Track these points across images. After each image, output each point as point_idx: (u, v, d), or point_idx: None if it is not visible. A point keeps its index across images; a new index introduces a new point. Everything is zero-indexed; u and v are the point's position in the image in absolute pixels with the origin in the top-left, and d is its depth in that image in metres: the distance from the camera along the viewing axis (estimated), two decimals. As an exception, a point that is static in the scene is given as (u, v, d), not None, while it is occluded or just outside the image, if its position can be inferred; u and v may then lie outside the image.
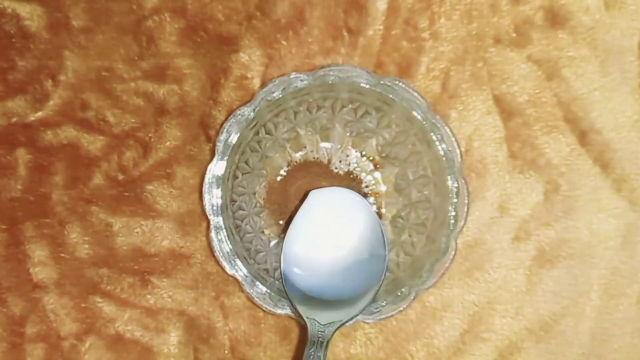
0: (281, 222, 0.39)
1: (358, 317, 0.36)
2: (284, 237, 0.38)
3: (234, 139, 0.36)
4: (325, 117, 0.39)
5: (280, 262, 0.37)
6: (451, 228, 0.37)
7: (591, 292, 0.40)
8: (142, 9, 0.40)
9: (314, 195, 0.38)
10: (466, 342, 0.40)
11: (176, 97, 0.40)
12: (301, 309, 0.36)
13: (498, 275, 0.40)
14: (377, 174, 0.40)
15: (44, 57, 0.40)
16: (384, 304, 0.37)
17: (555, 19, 0.40)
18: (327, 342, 0.35)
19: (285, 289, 0.36)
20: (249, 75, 0.40)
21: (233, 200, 0.38)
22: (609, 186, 0.40)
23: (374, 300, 0.36)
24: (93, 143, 0.40)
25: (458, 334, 0.40)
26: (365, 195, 0.39)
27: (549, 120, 0.40)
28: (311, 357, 0.34)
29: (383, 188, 0.40)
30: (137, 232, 0.40)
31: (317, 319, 0.36)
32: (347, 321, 0.36)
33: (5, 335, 0.39)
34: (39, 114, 0.40)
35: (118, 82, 0.40)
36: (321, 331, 0.35)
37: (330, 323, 0.36)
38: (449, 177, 0.37)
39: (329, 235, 0.37)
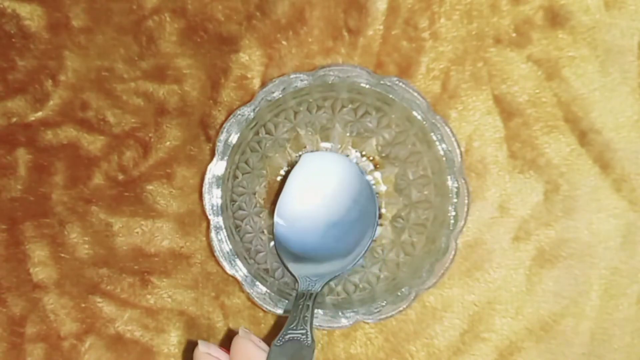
0: (281, 222, 0.39)
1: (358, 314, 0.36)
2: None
3: (234, 139, 0.36)
4: (325, 117, 0.39)
5: (272, 221, 0.38)
6: (451, 228, 0.37)
7: (591, 292, 0.40)
8: (142, 9, 0.40)
9: (306, 158, 0.38)
10: (466, 342, 0.40)
11: (176, 97, 0.40)
12: (292, 267, 0.36)
13: (498, 275, 0.40)
14: (377, 174, 0.40)
15: (44, 57, 0.40)
16: (384, 304, 0.37)
17: (555, 19, 0.40)
18: (317, 294, 0.35)
19: (276, 248, 0.37)
20: (249, 75, 0.40)
21: (233, 200, 0.38)
22: (608, 186, 0.40)
23: (362, 256, 0.37)
24: (93, 143, 0.40)
25: (458, 334, 0.40)
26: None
27: (549, 120, 0.40)
28: (300, 306, 0.34)
29: (383, 188, 0.40)
30: (137, 232, 0.40)
31: (308, 275, 0.36)
32: (335, 277, 0.36)
33: (5, 335, 0.39)
34: (39, 114, 0.40)
35: (118, 82, 0.40)
36: (312, 285, 0.35)
37: (321, 277, 0.36)
38: (449, 177, 0.37)
39: (319, 194, 0.38)
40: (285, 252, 0.37)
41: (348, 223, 0.38)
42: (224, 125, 0.36)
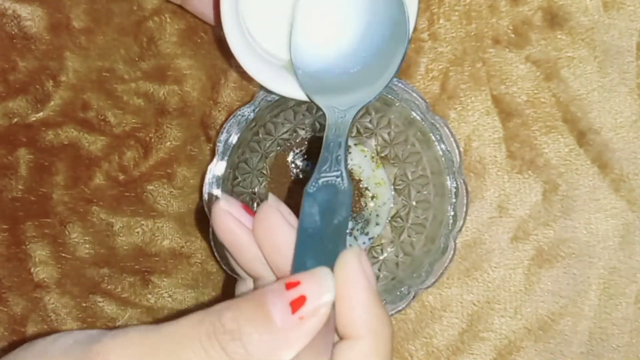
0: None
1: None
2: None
3: (234, 139, 0.37)
4: (325, 117, 0.39)
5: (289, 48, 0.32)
6: (450, 228, 0.37)
7: (590, 292, 0.40)
8: (142, 9, 0.40)
9: None
10: (465, 341, 0.40)
11: (176, 97, 0.40)
12: (317, 99, 0.31)
13: (497, 274, 0.40)
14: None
15: (45, 57, 0.40)
16: (383, 301, 0.37)
17: (554, 19, 0.40)
18: (349, 126, 0.30)
19: (296, 76, 0.32)
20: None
21: (233, 200, 0.38)
22: (607, 186, 0.40)
23: (393, 78, 0.31)
24: (94, 143, 0.40)
25: (457, 334, 0.40)
26: (363, 195, 0.40)
27: (548, 121, 0.40)
28: (331, 144, 0.29)
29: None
30: (138, 232, 0.40)
31: (336, 105, 0.31)
32: (371, 100, 0.31)
33: (6, 335, 0.39)
34: (40, 114, 0.40)
35: (119, 83, 0.40)
36: (341, 117, 0.31)
37: (351, 107, 0.31)
38: (448, 177, 0.37)
39: (336, 16, 0.32)
40: (305, 75, 0.32)
41: (374, 28, 0.32)
42: (224, 126, 0.36)
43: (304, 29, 0.32)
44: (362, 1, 0.32)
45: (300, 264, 0.26)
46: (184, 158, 0.40)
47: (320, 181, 0.28)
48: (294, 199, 0.39)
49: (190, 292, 0.40)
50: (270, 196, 0.28)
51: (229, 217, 0.28)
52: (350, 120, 0.30)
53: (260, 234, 0.27)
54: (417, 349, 0.40)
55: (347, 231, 0.38)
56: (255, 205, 0.39)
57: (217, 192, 0.37)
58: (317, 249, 0.27)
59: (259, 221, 0.27)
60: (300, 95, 0.32)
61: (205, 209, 0.37)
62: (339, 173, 0.29)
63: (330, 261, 0.26)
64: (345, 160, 0.29)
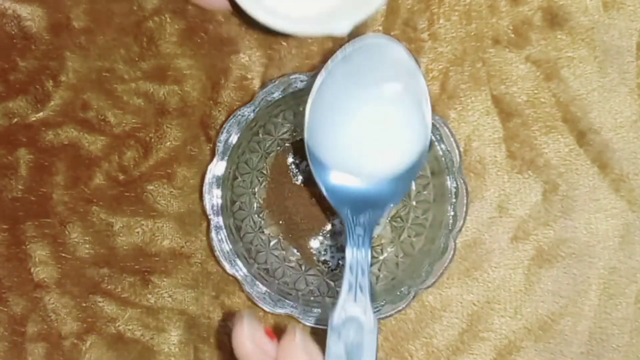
0: (281, 222, 0.39)
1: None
2: (283, 238, 0.38)
3: (234, 139, 0.37)
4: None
5: (304, 138, 0.32)
6: (450, 228, 0.37)
7: (590, 292, 0.40)
8: (142, 9, 0.40)
9: (344, 52, 0.31)
10: (465, 341, 0.40)
11: (176, 97, 0.40)
12: (335, 202, 0.30)
13: (497, 274, 0.40)
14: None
15: (45, 57, 0.40)
16: (383, 303, 0.37)
17: (554, 19, 0.40)
18: (369, 240, 0.29)
19: (313, 172, 0.31)
20: (249, 76, 0.40)
21: (233, 200, 0.38)
22: (607, 186, 0.40)
23: (415, 176, 0.30)
24: (94, 143, 0.40)
25: (457, 334, 0.40)
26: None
27: (548, 121, 0.40)
28: (353, 269, 0.28)
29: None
30: (138, 232, 0.40)
31: (355, 212, 0.30)
32: (388, 206, 0.30)
33: (6, 335, 0.40)
34: (40, 114, 0.40)
35: (119, 83, 0.40)
36: (358, 226, 0.30)
37: (367, 211, 0.30)
38: (448, 177, 0.37)
39: (360, 97, 0.31)
40: (320, 171, 0.31)
41: (396, 128, 0.31)
42: (224, 126, 0.37)
43: (321, 109, 0.31)
44: (390, 98, 0.31)
45: None
46: (184, 158, 0.40)
47: (344, 314, 0.27)
48: (293, 199, 0.39)
49: (190, 292, 0.40)
50: (297, 331, 0.27)
51: (251, 346, 0.27)
52: (370, 228, 0.30)
53: None
54: (417, 349, 0.40)
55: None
56: (255, 205, 0.39)
57: (217, 192, 0.37)
58: None
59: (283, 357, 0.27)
60: (268, 20, 0.30)
61: (206, 209, 0.37)
62: (363, 307, 0.28)
63: None
64: (370, 290, 0.28)
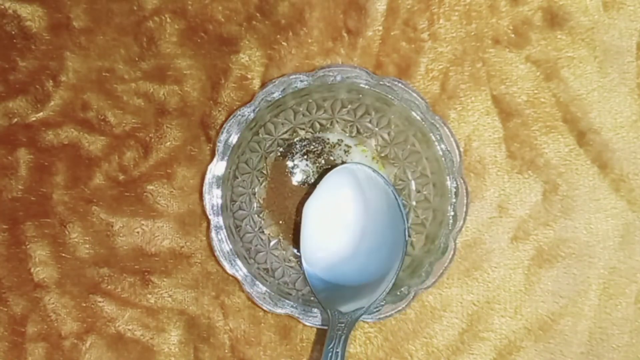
0: (281, 222, 0.39)
1: (376, 305, 0.36)
2: (283, 238, 0.38)
3: (234, 139, 0.37)
4: (325, 117, 0.39)
5: (299, 253, 0.37)
6: (450, 228, 0.37)
7: (590, 292, 0.40)
8: (142, 9, 0.40)
9: (327, 178, 0.37)
10: (465, 341, 0.40)
11: (176, 97, 0.40)
12: (322, 299, 0.35)
13: (497, 274, 0.40)
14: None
15: (45, 57, 0.40)
16: (383, 303, 0.37)
17: (554, 19, 0.40)
18: (347, 336, 0.34)
19: (306, 279, 0.36)
20: (249, 76, 0.40)
21: (233, 200, 0.38)
22: (607, 186, 0.40)
23: (394, 283, 0.35)
24: (94, 143, 0.40)
25: (457, 334, 0.40)
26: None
27: (548, 121, 0.40)
28: (329, 354, 0.33)
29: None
30: (138, 232, 0.40)
31: (339, 308, 0.35)
32: (368, 307, 0.35)
33: (6, 335, 0.40)
34: (40, 114, 0.40)
35: (119, 83, 0.40)
36: (341, 323, 0.35)
37: (352, 311, 0.35)
38: (448, 177, 0.37)
39: (344, 217, 0.37)
40: (314, 279, 0.37)
41: (377, 242, 0.37)
42: (224, 126, 0.37)
43: (313, 228, 0.37)
44: (370, 218, 0.37)
45: None
46: (184, 158, 0.40)
47: None
48: (293, 199, 0.40)
49: (190, 292, 0.40)
50: None
51: None
52: (350, 327, 0.35)
53: None
54: (417, 349, 0.40)
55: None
56: (255, 205, 0.39)
57: (217, 192, 0.37)
58: None
59: None
60: None
61: (206, 209, 0.37)
62: None
63: None
64: None
